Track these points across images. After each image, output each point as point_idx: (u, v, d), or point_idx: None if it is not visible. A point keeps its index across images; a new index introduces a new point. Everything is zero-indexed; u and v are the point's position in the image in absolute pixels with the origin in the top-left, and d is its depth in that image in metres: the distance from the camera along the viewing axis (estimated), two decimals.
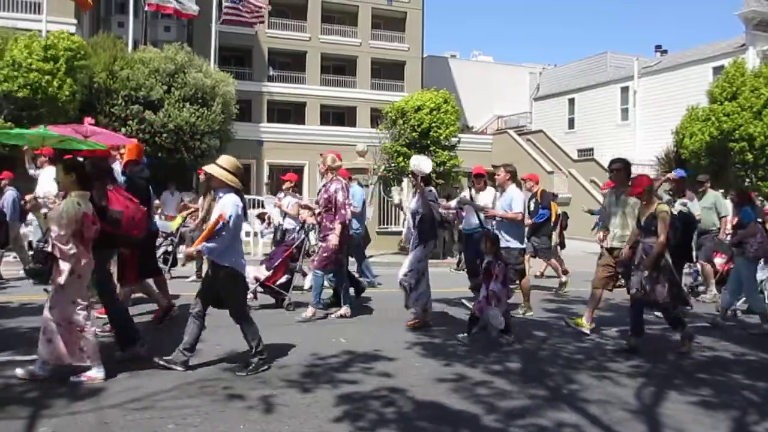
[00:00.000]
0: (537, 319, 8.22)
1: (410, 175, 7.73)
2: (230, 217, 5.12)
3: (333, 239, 7.52)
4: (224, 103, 20.79)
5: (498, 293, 6.58)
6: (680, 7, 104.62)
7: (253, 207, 19.81)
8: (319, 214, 7.93)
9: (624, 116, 32.77)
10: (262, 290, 8.27)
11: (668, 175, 10.09)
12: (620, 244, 6.96)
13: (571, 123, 35.99)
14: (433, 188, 7.75)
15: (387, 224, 19.44)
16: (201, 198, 10.79)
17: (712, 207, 10.21)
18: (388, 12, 38.66)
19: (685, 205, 8.90)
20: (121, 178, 6.56)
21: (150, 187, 7.07)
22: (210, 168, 5.38)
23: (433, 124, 20.16)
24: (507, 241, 7.90)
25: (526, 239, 10.96)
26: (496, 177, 8.49)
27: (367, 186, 19.19)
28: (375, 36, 38.32)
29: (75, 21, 22.22)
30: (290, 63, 37.56)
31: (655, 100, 30.62)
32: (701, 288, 10.70)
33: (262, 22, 28.14)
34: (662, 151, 26.69)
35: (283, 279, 8.29)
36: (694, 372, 5.80)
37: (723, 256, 10.23)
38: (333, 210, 7.59)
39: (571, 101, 36.07)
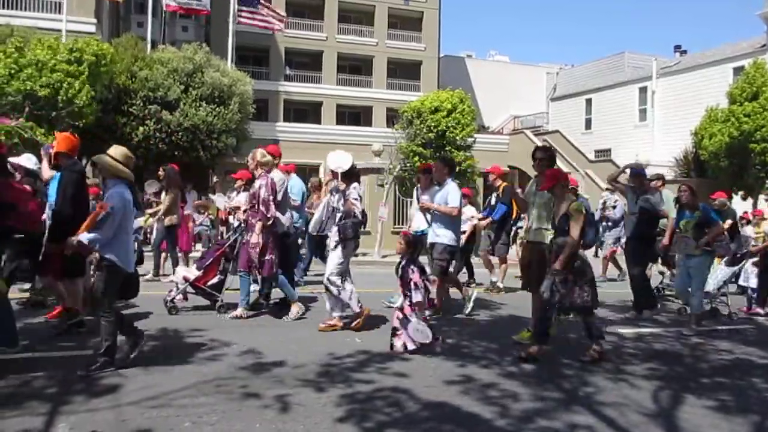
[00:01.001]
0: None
1: (330, 173, 7.13)
2: (113, 208, 4.92)
3: (253, 238, 7.29)
4: (241, 102, 20.91)
5: (421, 302, 6.06)
6: (700, 6, 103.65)
7: None
8: (245, 211, 7.66)
9: (642, 117, 32.52)
10: (193, 291, 7.90)
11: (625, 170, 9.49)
12: (537, 239, 6.58)
13: (588, 123, 35.78)
14: (357, 185, 7.22)
15: (402, 224, 19.44)
16: (163, 194, 10.59)
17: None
18: (405, 12, 38.68)
19: (647, 201, 8.55)
20: (48, 173, 6.48)
21: (85, 182, 6.72)
22: (99, 158, 5.14)
23: (450, 125, 20.13)
24: (436, 236, 7.71)
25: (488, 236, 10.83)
26: (433, 171, 8.20)
27: (382, 186, 19.28)
28: (391, 36, 38.36)
29: (95, 20, 22.44)
30: (307, 63, 37.71)
31: (674, 101, 30.36)
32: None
33: (280, 30, 28.21)
34: (681, 152, 26.47)
35: (215, 280, 7.91)
36: (712, 375, 5.75)
37: None
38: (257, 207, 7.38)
39: (589, 101, 35.86)
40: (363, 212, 7.16)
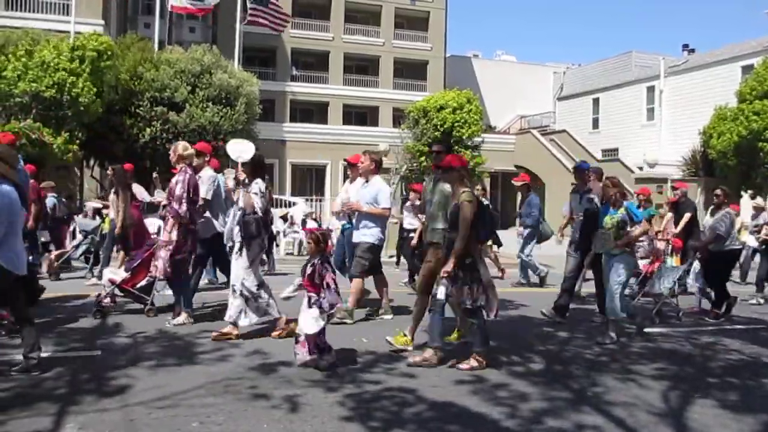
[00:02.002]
0: (559, 321, 8.14)
1: (238, 166, 6.56)
2: None
3: (163, 235, 6.81)
4: (248, 103, 20.97)
5: (332, 302, 5.35)
6: (707, 6, 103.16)
7: (275, 206, 19.92)
8: (164, 207, 7.19)
9: (650, 116, 32.40)
10: (122, 294, 7.55)
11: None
12: (434, 239, 6.14)
13: (596, 123, 35.68)
14: (260, 180, 6.47)
15: None
16: (111, 194, 9.95)
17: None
18: (411, 12, 38.69)
19: (591, 201, 7.89)
20: None
21: None
22: None
23: (456, 124, 20.15)
24: (362, 235, 7.38)
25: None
26: (359, 165, 7.75)
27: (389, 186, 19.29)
28: (398, 36, 38.38)
29: (102, 22, 22.57)
30: (313, 63, 37.76)
31: (682, 100, 30.24)
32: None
33: (283, 29, 28.32)
34: (689, 151, 26.36)
35: (144, 282, 7.48)
36: (722, 376, 5.71)
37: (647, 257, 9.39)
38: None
39: (596, 101, 35.75)
40: (267, 210, 6.53)
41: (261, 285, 6.46)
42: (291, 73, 36.64)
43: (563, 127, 35.69)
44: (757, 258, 11.81)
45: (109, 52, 18.01)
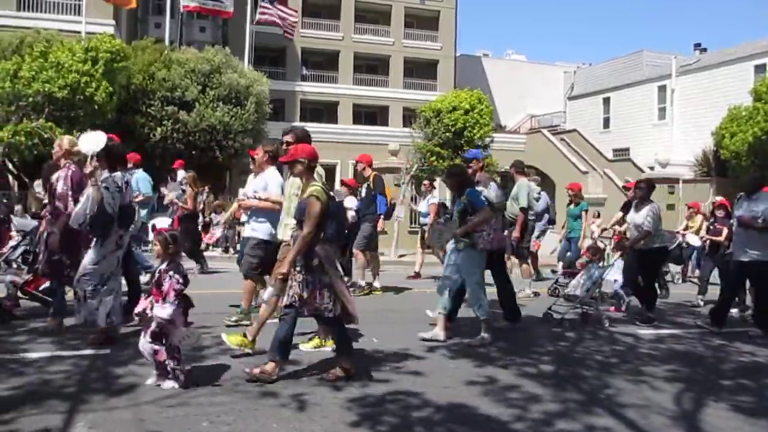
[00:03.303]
0: (567, 320, 8.09)
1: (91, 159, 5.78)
2: None
3: (51, 238, 6.22)
4: (258, 102, 21.02)
5: (172, 318, 4.61)
6: (720, 4, 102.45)
7: None
8: (44, 206, 6.68)
9: (661, 115, 32.19)
10: (26, 296, 7.14)
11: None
12: (284, 236, 5.80)
13: (607, 122, 35.49)
14: (118, 174, 5.94)
15: (416, 223, 19.37)
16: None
17: (515, 197, 9.34)
18: (421, 11, 38.67)
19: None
20: None
21: None
22: None
23: (468, 124, 20.13)
24: (253, 231, 6.84)
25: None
26: (255, 158, 7.18)
27: (398, 185, 19.24)
28: (408, 35, 38.36)
29: (113, 22, 22.69)
30: (323, 62, 37.82)
31: (694, 99, 30.02)
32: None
33: (292, 36, 28.41)
34: (701, 151, 26.18)
35: (48, 283, 6.96)
36: (735, 378, 5.66)
37: (587, 255, 8.64)
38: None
39: (607, 100, 35.56)
40: (128, 206, 6.01)
41: (98, 288, 5.81)
42: (301, 73, 36.70)
43: (574, 126, 35.52)
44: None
45: (122, 54, 18.10)
